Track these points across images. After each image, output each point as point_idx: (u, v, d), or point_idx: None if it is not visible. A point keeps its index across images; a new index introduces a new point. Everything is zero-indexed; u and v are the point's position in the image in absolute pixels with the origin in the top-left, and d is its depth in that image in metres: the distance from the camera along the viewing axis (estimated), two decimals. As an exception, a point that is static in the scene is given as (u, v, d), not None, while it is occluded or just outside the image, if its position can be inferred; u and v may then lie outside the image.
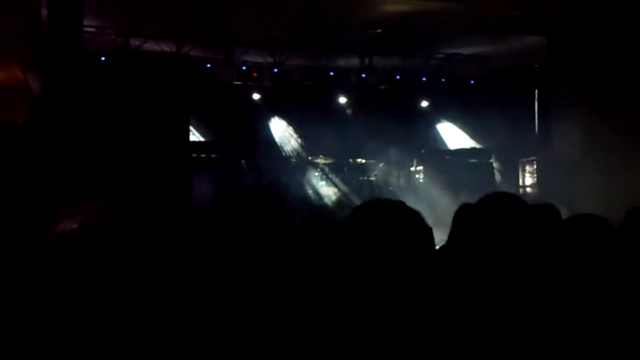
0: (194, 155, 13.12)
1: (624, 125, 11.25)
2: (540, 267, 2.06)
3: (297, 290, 2.44)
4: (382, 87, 14.84)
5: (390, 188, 14.99)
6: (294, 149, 15.39)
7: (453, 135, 16.29)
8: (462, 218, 4.01)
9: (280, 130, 15.89)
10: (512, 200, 2.17)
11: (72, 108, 8.98)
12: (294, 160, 15.15)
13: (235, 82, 14.06)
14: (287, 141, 15.74)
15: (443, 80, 14.63)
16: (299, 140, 15.52)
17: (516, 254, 2.04)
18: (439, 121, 16.38)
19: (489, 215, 2.11)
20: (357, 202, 14.33)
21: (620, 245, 2.37)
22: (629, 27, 10.99)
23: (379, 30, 12.22)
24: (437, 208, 12.62)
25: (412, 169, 15.69)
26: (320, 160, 15.13)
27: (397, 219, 2.00)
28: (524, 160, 14.94)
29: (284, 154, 15.30)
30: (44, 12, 9.01)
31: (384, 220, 1.98)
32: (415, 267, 1.94)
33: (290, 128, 15.79)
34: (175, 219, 9.93)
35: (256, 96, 15.26)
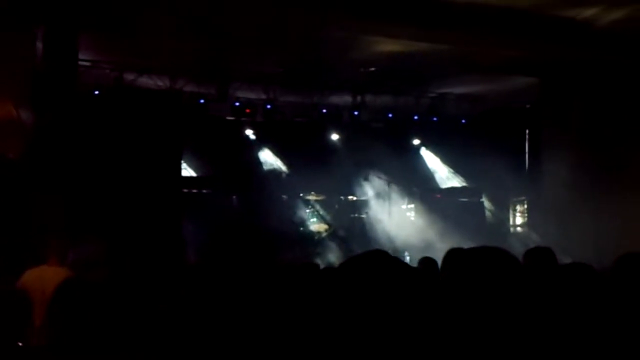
0: (186, 190, 13.10)
1: (614, 167, 11.33)
2: (526, 320, 2.06)
3: (289, 325, 2.42)
4: (374, 124, 14.92)
5: (381, 226, 14.98)
6: (286, 186, 15.38)
7: (444, 174, 16.35)
8: (451, 263, 4.00)
9: (272, 166, 15.91)
10: (501, 256, 2.16)
11: (65, 142, 8.98)
12: (285, 196, 15.13)
13: (228, 118, 14.10)
14: (279, 177, 15.73)
15: (435, 118, 14.72)
16: (291, 176, 15.52)
17: (502, 309, 2.03)
18: (430, 159, 16.45)
19: (477, 271, 2.10)
20: (348, 239, 14.37)
21: (608, 292, 2.37)
22: (620, 70, 11.14)
23: (372, 69, 12.34)
24: (428, 246, 12.62)
25: (404, 207, 15.69)
26: (312, 197, 15.12)
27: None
28: (515, 199, 14.99)
29: (275, 190, 15.27)
30: (39, 45, 9.07)
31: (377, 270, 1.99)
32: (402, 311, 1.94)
33: (283, 164, 15.82)
34: (166, 254, 9.87)
35: (249, 132, 15.31)
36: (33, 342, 6.10)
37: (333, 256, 13.75)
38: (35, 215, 8.35)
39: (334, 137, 15.49)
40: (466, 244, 4.51)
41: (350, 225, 14.97)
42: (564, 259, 4.46)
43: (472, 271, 2.10)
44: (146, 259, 9.43)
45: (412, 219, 15.47)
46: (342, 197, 15.37)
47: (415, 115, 14.71)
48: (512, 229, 15.03)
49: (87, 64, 11.38)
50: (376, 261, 2.03)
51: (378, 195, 15.45)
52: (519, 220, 15.00)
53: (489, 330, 1.98)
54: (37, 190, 8.50)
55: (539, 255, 4.12)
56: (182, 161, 12.75)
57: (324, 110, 14.26)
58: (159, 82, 12.55)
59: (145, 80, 12.45)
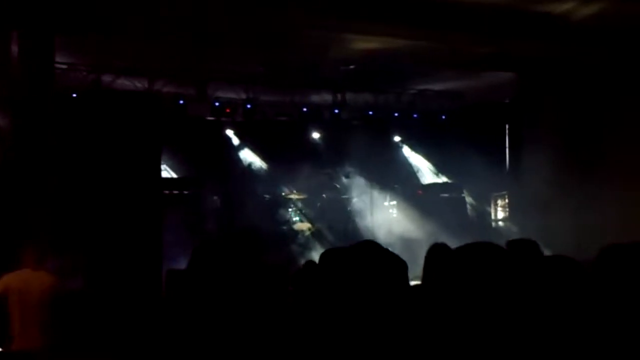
0: (166, 192, 13.02)
1: (592, 161, 11.43)
2: (515, 312, 2.06)
3: (276, 328, 2.41)
4: (355, 122, 14.94)
5: (364, 223, 15.01)
6: (268, 185, 15.35)
7: (426, 170, 16.42)
8: (435, 259, 4.01)
9: (254, 165, 15.87)
10: (491, 251, 2.16)
11: (43, 146, 8.89)
12: (267, 196, 15.10)
13: (208, 118, 14.04)
14: (260, 177, 15.70)
15: (415, 115, 14.77)
16: (273, 176, 15.50)
17: (493, 303, 2.03)
18: (411, 156, 16.50)
19: (468, 266, 2.10)
20: (331, 237, 14.39)
21: (592, 285, 2.38)
22: (598, 65, 11.23)
23: (352, 67, 12.34)
24: (410, 242, 12.67)
25: (386, 203, 15.72)
26: (294, 196, 15.11)
27: (371, 258, 2.00)
28: (496, 194, 15.07)
29: (257, 190, 15.24)
30: (14, 48, 8.96)
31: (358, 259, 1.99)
32: (390, 302, 1.94)
33: (264, 164, 15.78)
34: (145, 257, 9.81)
35: (229, 132, 15.27)
36: (11, 347, 6.04)
37: (317, 255, 13.72)
38: (12, 219, 8.26)
39: (315, 135, 15.49)
40: (448, 239, 4.52)
41: (333, 223, 14.98)
42: (545, 252, 4.49)
43: (469, 268, 2.09)
44: (127, 262, 9.38)
45: (395, 215, 15.51)
46: (324, 196, 15.37)
47: (395, 112, 14.75)
48: (493, 224, 15.12)
49: (64, 66, 11.26)
50: (369, 252, 2.03)
51: (360, 192, 15.48)
52: (500, 214, 15.09)
53: (486, 326, 1.98)
54: (15, 194, 8.41)
55: (523, 247, 4.14)
56: (162, 162, 12.67)
57: (305, 109, 14.24)
58: (137, 84, 12.46)
59: (123, 82, 12.36)
